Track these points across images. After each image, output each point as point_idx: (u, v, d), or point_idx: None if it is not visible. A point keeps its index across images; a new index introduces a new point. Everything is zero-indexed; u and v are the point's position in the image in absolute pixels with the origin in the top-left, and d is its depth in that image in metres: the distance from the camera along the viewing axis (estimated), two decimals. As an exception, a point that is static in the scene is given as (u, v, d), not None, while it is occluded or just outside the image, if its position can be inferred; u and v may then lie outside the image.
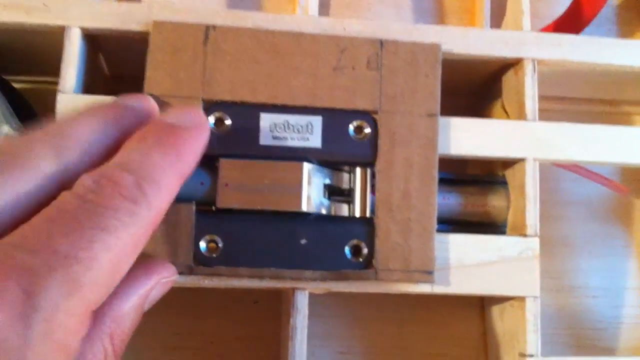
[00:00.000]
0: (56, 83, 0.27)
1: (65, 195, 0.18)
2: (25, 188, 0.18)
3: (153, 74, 0.27)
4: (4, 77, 0.32)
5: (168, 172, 0.20)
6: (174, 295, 0.25)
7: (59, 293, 0.16)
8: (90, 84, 0.29)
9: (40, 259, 0.16)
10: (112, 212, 0.18)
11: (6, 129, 0.27)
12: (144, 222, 0.19)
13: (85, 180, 0.19)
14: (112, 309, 0.20)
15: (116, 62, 0.33)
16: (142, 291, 0.21)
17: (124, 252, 0.18)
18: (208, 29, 0.27)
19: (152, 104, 0.22)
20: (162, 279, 0.22)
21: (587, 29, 0.36)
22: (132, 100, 0.22)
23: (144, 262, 0.23)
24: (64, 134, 0.20)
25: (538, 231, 0.29)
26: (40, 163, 0.19)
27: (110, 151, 0.20)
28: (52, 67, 0.28)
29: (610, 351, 0.36)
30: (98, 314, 0.19)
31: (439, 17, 0.39)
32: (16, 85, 0.33)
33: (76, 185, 0.19)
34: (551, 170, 0.37)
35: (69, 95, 0.27)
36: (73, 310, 0.17)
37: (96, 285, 0.17)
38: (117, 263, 0.18)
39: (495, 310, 0.33)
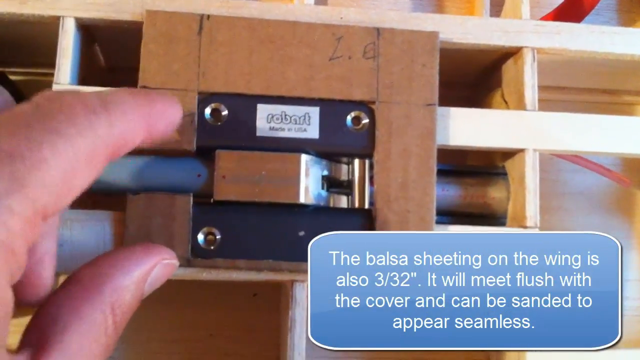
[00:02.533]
0: (52, 74, 0.27)
1: (20, 104, 0.18)
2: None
3: (147, 66, 0.27)
4: (-1, 69, 0.32)
5: (135, 108, 0.20)
6: (172, 288, 0.25)
7: (1, 189, 0.16)
8: (86, 75, 0.29)
9: None
10: (67, 117, 0.17)
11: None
12: (103, 136, 0.18)
13: (46, 91, 0.18)
14: (112, 281, 0.20)
15: (112, 53, 0.33)
16: (143, 267, 0.21)
17: (76, 161, 0.17)
18: (202, 19, 0.27)
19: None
20: (163, 260, 0.22)
21: (587, 18, 0.36)
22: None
23: (144, 244, 0.23)
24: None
25: (538, 222, 0.29)
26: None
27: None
28: (47, 58, 0.28)
29: (611, 343, 0.36)
30: (97, 285, 0.19)
31: (438, 5, 0.39)
32: (12, 77, 0.32)
33: (36, 96, 0.18)
34: (552, 162, 0.37)
35: (65, 87, 0.27)
36: (16, 209, 0.16)
37: (44, 188, 0.17)
38: (69, 171, 0.17)
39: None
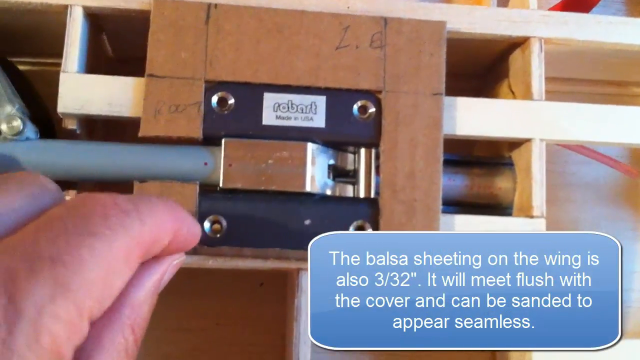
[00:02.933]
0: (59, 64, 0.27)
1: (55, 208, 0.18)
2: None
3: (155, 55, 0.27)
4: (7, 58, 0.32)
5: (163, 207, 0.20)
6: (179, 277, 0.25)
7: (44, 296, 0.16)
8: (94, 65, 0.29)
9: (25, 263, 0.16)
10: (101, 219, 0.18)
11: (9, 109, 0.26)
12: (136, 235, 0.19)
13: (78, 196, 0.19)
14: (130, 298, 0.20)
15: (120, 43, 0.33)
16: (156, 276, 0.21)
17: (114, 261, 0.18)
18: (210, 8, 0.27)
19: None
20: (173, 261, 0.22)
21: (595, 9, 0.36)
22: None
23: None
24: None
25: (544, 212, 0.29)
26: None
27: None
28: (55, 47, 0.28)
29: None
30: (115, 305, 0.19)
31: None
32: (19, 67, 0.32)
33: (68, 200, 0.19)
34: (559, 153, 0.37)
35: (72, 75, 0.27)
36: (62, 315, 0.16)
37: (87, 291, 0.17)
38: (108, 272, 0.18)
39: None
